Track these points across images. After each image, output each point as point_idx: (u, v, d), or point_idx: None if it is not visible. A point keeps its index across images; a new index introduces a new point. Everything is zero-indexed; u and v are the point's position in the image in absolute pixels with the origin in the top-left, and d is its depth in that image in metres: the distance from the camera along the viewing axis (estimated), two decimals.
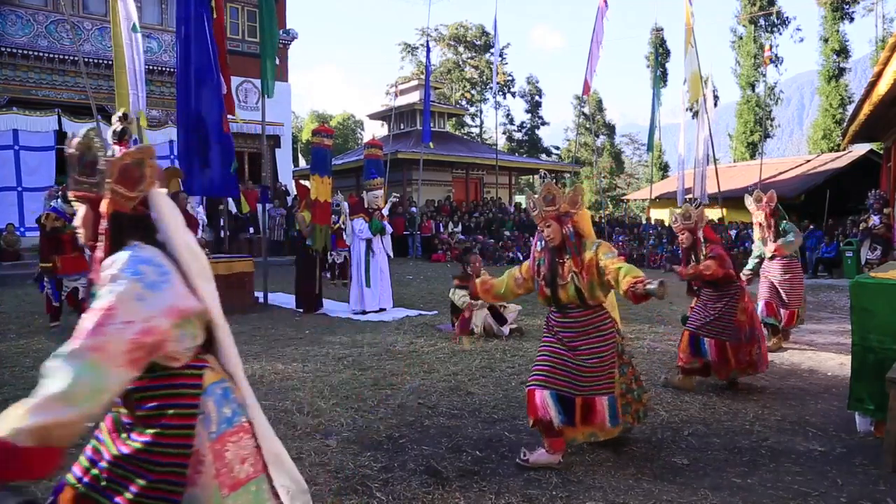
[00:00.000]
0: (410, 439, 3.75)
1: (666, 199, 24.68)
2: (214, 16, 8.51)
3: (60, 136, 15.94)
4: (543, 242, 3.45)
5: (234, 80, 18.10)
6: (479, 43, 43.90)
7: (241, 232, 17.23)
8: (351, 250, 9.18)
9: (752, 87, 31.12)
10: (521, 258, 19.24)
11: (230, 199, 13.42)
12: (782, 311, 6.36)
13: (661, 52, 31.47)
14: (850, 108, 18.56)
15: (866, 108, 12.12)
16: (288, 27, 22.01)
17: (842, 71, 28.15)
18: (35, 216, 13.15)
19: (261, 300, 9.48)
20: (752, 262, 6.66)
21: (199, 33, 8.21)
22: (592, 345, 3.34)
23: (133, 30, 8.41)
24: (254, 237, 16.57)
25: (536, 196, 3.44)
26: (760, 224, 6.40)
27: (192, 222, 8.01)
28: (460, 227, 20.41)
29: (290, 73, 22.34)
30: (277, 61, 9.79)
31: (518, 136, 45.44)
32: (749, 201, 6.50)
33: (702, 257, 4.75)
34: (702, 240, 4.81)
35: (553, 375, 3.31)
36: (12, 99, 15.96)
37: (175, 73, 9.39)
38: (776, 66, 31.55)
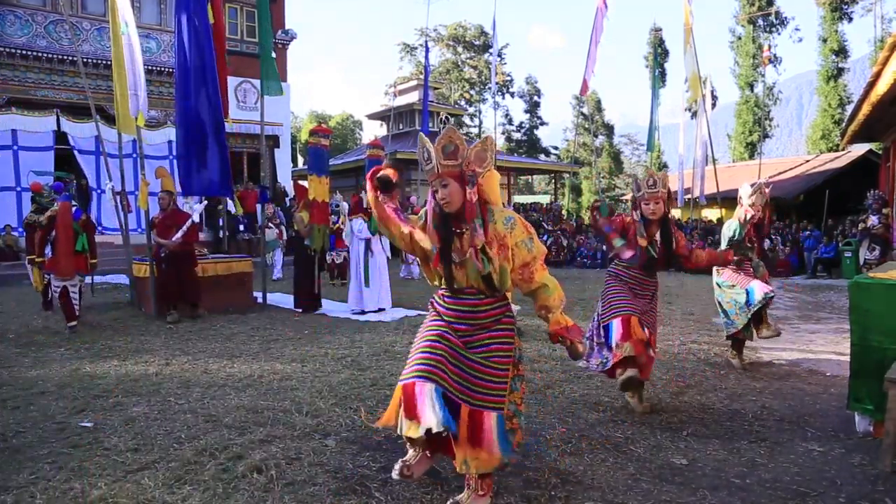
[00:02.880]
0: None
1: None
2: (213, 20, 8.50)
3: (59, 136, 15.95)
4: (435, 205, 2.64)
5: (234, 81, 18.17)
6: (477, 43, 43.95)
7: (240, 233, 17.27)
8: (350, 250, 9.18)
9: (751, 87, 31.13)
10: None
11: (229, 200, 13.43)
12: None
13: (659, 53, 31.44)
14: (849, 109, 18.58)
15: (865, 109, 12.13)
16: (287, 27, 22.02)
17: (841, 71, 28.16)
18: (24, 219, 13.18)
19: (259, 300, 9.48)
20: (727, 236, 5.63)
21: (198, 33, 8.20)
22: (493, 341, 2.66)
23: (122, 31, 8.39)
24: (252, 238, 16.58)
25: (433, 145, 2.57)
26: (749, 223, 5.45)
27: (181, 219, 8.02)
28: None
29: (290, 73, 22.34)
30: (274, 54, 9.77)
31: (517, 136, 45.49)
32: (750, 192, 5.43)
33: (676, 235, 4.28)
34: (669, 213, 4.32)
35: (441, 368, 2.58)
36: (11, 99, 15.96)
37: (174, 73, 9.38)
38: (775, 66, 31.56)
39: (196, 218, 8.32)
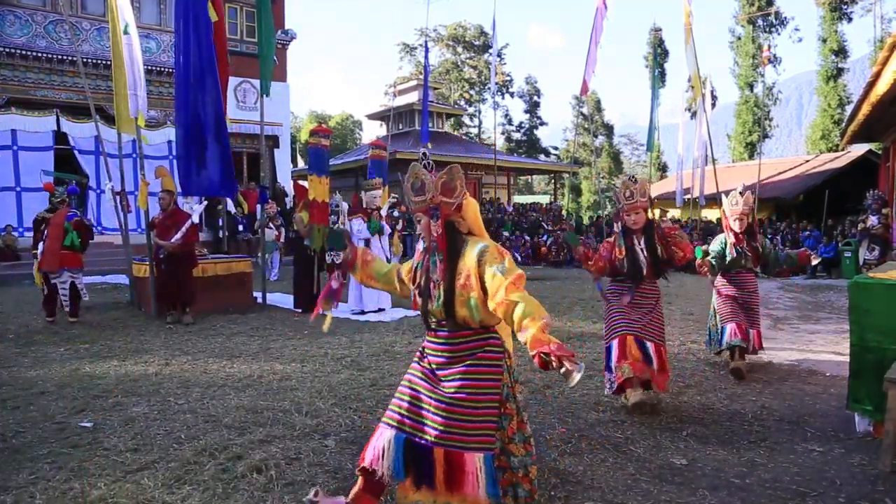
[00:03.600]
0: None
1: (665, 200, 24.70)
2: (215, 18, 8.49)
3: (59, 136, 15.94)
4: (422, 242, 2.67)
5: (234, 81, 18.16)
6: (477, 43, 43.96)
7: (240, 233, 17.28)
8: None
9: (751, 87, 31.17)
10: (520, 259, 19.27)
11: (229, 200, 13.43)
12: (751, 332, 5.36)
13: (659, 53, 31.45)
14: (849, 109, 18.59)
15: (865, 109, 12.15)
16: (287, 27, 22.02)
17: (840, 71, 28.20)
18: (34, 216, 13.19)
19: (259, 300, 9.48)
20: (713, 250, 5.44)
21: (198, 33, 8.19)
22: (466, 376, 2.44)
23: (124, 31, 8.38)
24: (252, 238, 16.59)
25: (405, 184, 2.57)
26: (735, 231, 5.34)
27: (181, 219, 7.98)
28: None
29: (289, 73, 22.34)
30: (276, 61, 9.78)
31: (517, 136, 45.52)
32: (735, 199, 5.37)
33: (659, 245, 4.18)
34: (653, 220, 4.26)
35: (406, 414, 2.47)
36: (11, 99, 15.96)
37: (174, 73, 9.39)
38: (775, 66, 31.61)
39: (196, 219, 8.30)
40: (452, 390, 2.41)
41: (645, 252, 4.18)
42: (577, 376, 2.00)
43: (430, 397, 2.44)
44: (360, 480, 2.53)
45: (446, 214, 2.48)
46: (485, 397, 2.41)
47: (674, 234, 4.28)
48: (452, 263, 2.44)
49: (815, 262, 5.42)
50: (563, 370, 2.02)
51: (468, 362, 2.45)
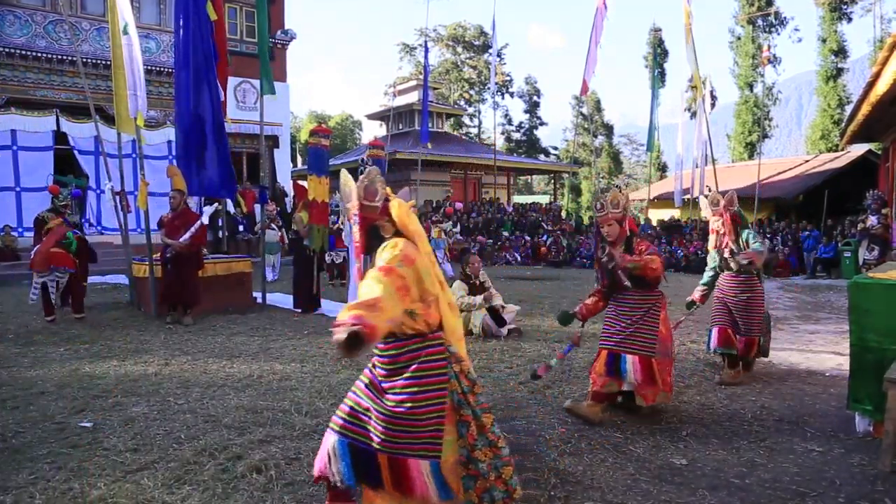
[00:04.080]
0: None
1: (664, 200, 24.71)
2: (214, 17, 8.49)
3: (59, 136, 15.95)
4: None
5: (233, 81, 18.16)
6: (477, 43, 43.95)
7: (240, 233, 17.29)
8: (349, 250, 9.18)
9: (751, 87, 31.16)
10: (519, 259, 19.27)
11: (229, 200, 13.42)
12: (738, 337, 5.19)
13: (659, 53, 31.47)
14: (849, 109, 18.59)
15: (865, 109, 12.15)
16: (286, 27, 22.02)
17: (840, 71, 28.19)
18: (34, 216, 13.19)
19: (259, 300, 9.47)
20: (707, 275, 5.56)
21: (197, 33, 8.19)
22: (406, 390, 2.36)
23: (123, 31, 8.39)
24: (252, 238, 16.59)
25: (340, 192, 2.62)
26: (717, 231, 5.32)
27: (191, 219, 7.97)
28: (458, 227, 20.42)
29: (289, 73, 22.36)
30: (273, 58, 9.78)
31: (516, 136, 45.51)
32: (704, 204, 5.47)
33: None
34: (629, 233, 4.08)
35: (351, 420, 2.44)
36: (10, 99, 15.95)
37: (173, 73, 9.38)
38: (774, 66, 31.59)
39: (206, 220, 8.30)
40: (393, 404, 2.33)
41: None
42: (340, 336, 1.95)
43: (374, 407, 2.38)
44: (327, 492, 2.51)
45: (369, 219, 2.43)
46: (427, 409, 2.32)
47: (640, 249, 4.03)
48: (367, 269, 2.39)
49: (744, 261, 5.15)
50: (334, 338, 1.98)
51: (407, 375, 2.35)
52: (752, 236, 5.18)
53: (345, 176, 2.48)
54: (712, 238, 5.41)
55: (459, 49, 44.60)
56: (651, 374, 3.93)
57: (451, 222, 17.63)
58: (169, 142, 16.87)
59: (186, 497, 2.93)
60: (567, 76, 71.53)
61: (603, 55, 15.78)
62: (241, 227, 17.36)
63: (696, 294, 5.55)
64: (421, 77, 24.25)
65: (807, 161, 24.21)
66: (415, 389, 2.32)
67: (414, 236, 2.42)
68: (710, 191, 5.44)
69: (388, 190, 2.50)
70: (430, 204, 23.20)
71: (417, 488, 2.30)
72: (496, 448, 2.44)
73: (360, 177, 2.47)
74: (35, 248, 7.70)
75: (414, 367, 2.35)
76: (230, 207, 15.81)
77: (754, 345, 5.21)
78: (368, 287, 2.16)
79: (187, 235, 7.73)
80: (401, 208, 2.44)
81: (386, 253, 2.31)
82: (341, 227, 10.82)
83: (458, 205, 22.32)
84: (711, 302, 5.49)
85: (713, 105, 19.87)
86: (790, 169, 23.56)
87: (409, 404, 2.30)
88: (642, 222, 22.98)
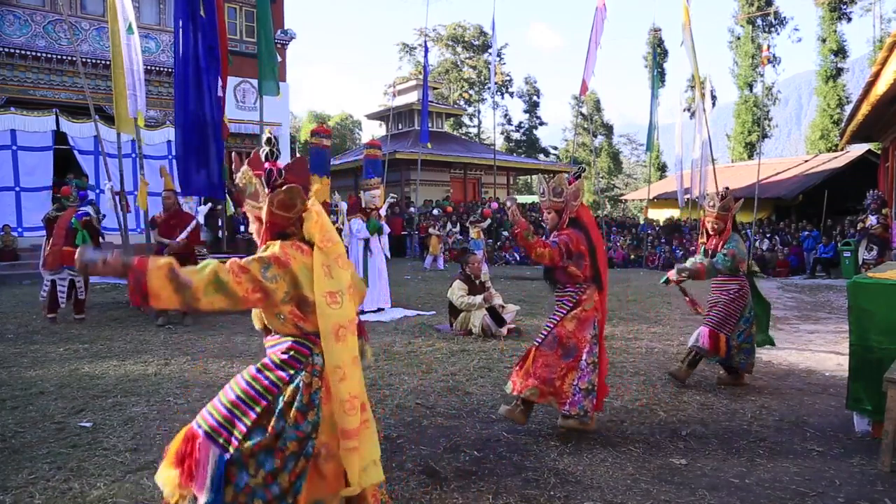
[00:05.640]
0: (408, 439, 3.74)
1: (664, 200, 24.70)
2: (205, 14, 8.49)
3: (59, 136, 15.93)
4: None
5: (233, 81, 18.15)
6: (476, 43, 43.92)
7: (240, 233, 17.29)
8: (349, 250, 9.18)
9: (750, 87, 31.16)
10: (519, 259, 19.27)
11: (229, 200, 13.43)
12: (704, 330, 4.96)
13: (659, 53, 31.48)
14: (848, 109, 18.61)
15: (864, 109, 12.17)
16: (286, 27, 22.01)
17: (839, 71, 28.19)
18: (33, 217, 13.18)
19: None
20: (691, 260, 5.26)
21: (197, 33, 8.20)
22: (247, 373, 2.23)
23: (128, 31, 8.39)
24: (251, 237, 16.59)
25: None
26: (718, 232, 5.03)
27: (186, 220, 7.99)
28: (458, 227, 20.43)
29: (289, 73, 22.34)
30: (279, 58, 9.80)
31: (516, 136, 45.49)
32: (713, 202, 5.10)
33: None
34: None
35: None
36: (10, 99, 15.93)
37: (173, 73, 9.38)
38: (774, 66, 31.60)
39: (201, 220, 8.31)
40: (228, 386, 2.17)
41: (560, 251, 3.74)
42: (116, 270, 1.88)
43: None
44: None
45: (279, 226, 2.22)
46: (242, 396, 2.09)
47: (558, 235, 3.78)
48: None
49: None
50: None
51: (258, 365, 2.17)
52: (730, 245, 4.88)
53: (247, 174, 2.29)
54: (704, 236, 5.23)
55: (459, 49, 44.57)
56: (523, 362, 3.78)
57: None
58: (169, 142, 16.83)
59: None
60: (567, 76, 71.56)
61: (602, 55, 15.81)
62: (241, 227, 17.36)
63: (674, 275, 5.06)
64: (420, 77, 24.26)
65: (806, 161, 24.21)
66: (248, 378, 2.13)
67: (320, 244, 2.18)
68: (728, 191, 5.19)
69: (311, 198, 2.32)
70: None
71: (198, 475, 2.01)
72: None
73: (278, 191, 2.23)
74: (46, 248, 7.72)
75: (264, 360, 2.18)
76: (230, 208, 15.79)
77: (720, 340, 4.86)
78: (206, 267, 1.98)
79: (183, 235, 7.77)
80: (314, 220, 2.22)
81: (259, 252, 2.17)
82: (340, 226, 10.81)
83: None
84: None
85: (713, 105, 19.88)
86: (790, 169, 23.55)
87: (237, 389, 2.11)
88: (641, 222, 23.01)
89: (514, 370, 3.85)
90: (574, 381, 3.64)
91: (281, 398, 2.06)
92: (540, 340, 3.78)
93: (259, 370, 2.14)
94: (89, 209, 8.00)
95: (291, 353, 2.13)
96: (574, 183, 3.82)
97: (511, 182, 31.00)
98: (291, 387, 2.07)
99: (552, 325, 3.77)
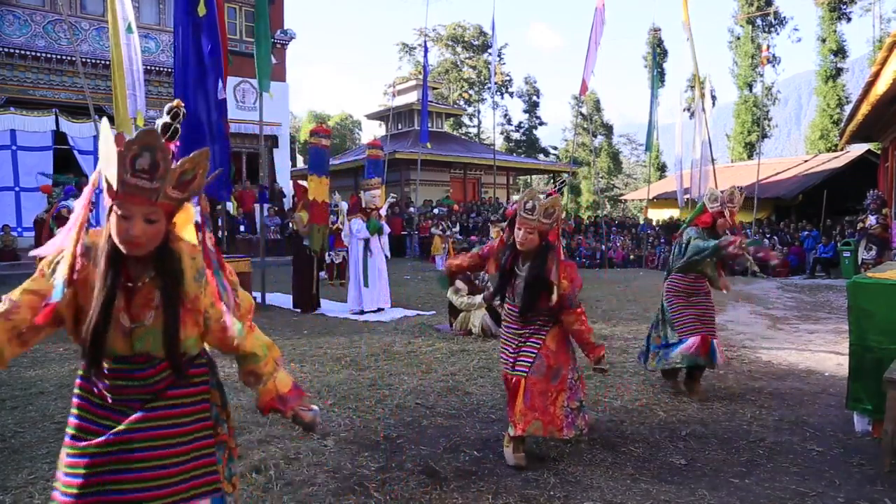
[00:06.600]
0: (408, 439, 3.74)
1: (664, 200, 24.70)
2: (204, 11, 8.47)
3: (58, 136, 15.94)
4: None
5: (233, 80, 18.16)
6: (476, 43, 43.91)
7: (240, 233, 17.30)
8: (349, 250, 9.18)
9: (750, 87, 31.15)
10: None
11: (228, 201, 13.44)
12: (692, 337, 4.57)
13: (658, 53, 31.48)
14: (848, 109, 18.60)
15: (864, 109, 12.17)
16: (286, 27, 22.01)
17: (839, 71, 28.19)
18: (33, 216, 13.18)
19: (258, 300, 9.47)
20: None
21: (197, 33, 8.19)
22: (164, 421, 1.90)
23: (128, 31, 8.39)
24: (251, 237, 16.59)
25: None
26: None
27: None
28: (458, 227, 20.43)
29: (289, 73, 22.35)
30: (274, 60, 9.79)
31: (516, 136, 45.47)
32: (715, 197, 4.63)
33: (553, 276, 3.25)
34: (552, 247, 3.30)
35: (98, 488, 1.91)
36: (10, 99, 15.95)
37: (173, 74, 9.38)
38: (773, 66, 31.57)
39: (198, 219, 8.30)
40: (153, 440, 1.95)
41: (524, 281, 3.32)
42: (309, 419, 2.03)
43: (124, 460, 1.98)
44: None
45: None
46: (193, 427, 2.00)
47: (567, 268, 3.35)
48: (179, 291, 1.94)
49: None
50: (297, 421, 2.06)
51: (167, 396, 1.97)
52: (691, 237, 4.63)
53: (105, 137, 1.69)
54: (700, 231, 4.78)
55: (459, 49, 44.56)
56: (515, 398, 3.38)
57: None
58: None
59: None
60: (567, 76, 71.61)
61: (602, 55, 15.81)
62: (241, 227, 17.38)
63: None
64: (420, 77, 24.26)
65: (806, 161, 24.21)
66: (180, 410, 2.00)
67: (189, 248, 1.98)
68: (741, 191, 4.82)
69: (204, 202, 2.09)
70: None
71: None
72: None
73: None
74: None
75: (180, 382, 2.06)
76: (231, 207, 15.81)
77: (707, 343, 4.58)
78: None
79: None
80: (182, 224, 1.98)
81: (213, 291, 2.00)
82: (341, 226, 10.82)
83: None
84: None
85: (712, 104, 19.89)
86: (789, 169, 23.56)
87: (181, 425, 1.98)
88: (641, 222, 23.00)
89: (510, 410, 3.44)
90: (564, 402, 3.40)
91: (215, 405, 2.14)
92: (526, 369, 3.37)
93: (194, 400, 2.07)
94: (70, 202, 7.92)
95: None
96: (555, 196, 3.30)
97: (511, 182, 31.00)
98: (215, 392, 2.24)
99: (536, 349, 3.39)
